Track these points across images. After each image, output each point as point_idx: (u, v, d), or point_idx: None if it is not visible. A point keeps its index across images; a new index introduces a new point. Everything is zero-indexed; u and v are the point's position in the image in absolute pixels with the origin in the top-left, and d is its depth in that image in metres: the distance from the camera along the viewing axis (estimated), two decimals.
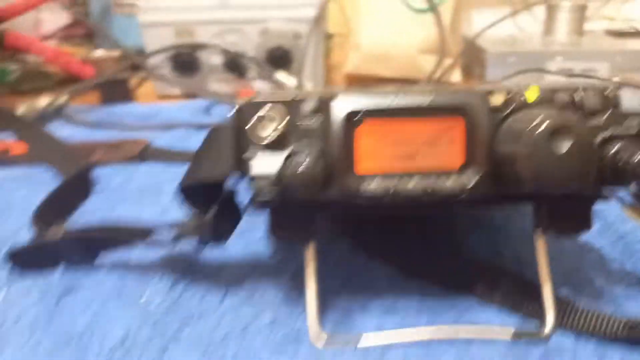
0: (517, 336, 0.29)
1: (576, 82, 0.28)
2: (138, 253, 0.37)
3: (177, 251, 0.36)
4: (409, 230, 0.37)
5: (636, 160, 0.25)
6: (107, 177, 0.52)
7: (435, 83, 0.76)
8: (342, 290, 0.34)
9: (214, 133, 0.28)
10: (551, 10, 0.83)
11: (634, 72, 0.72)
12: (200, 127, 0.66)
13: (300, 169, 0.25)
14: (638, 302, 0.32)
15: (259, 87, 0.79)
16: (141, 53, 0.80)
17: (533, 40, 0.83)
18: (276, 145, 0.27)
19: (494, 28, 0.83)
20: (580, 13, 0.81)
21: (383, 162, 0.27)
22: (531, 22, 0.96)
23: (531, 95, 0.27)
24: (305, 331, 0.30)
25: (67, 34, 1.02)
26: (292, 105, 0.27)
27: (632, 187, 0.31)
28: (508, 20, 0.92)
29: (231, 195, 0.32)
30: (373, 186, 0.26)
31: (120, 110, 0.73)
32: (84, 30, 1.03)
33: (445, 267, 0.35)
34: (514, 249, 0.38)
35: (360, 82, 0.82)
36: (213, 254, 0.37)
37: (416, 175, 0.27)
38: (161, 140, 0.62)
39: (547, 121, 0.24)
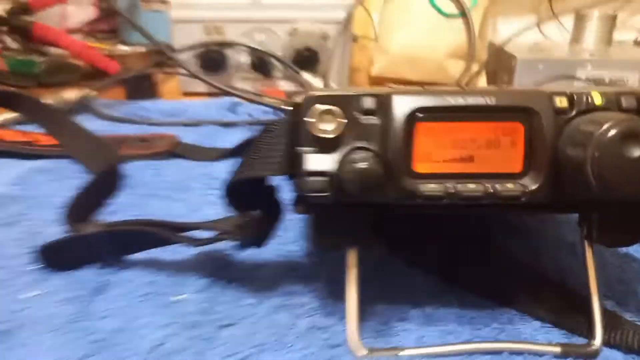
0: (566, 351, 0.28)
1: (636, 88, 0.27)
2: (171, 251, 0.36)
3: (212, 250, 0.35)
4: (446, 236, 0.36)
5: None
6: (137, 172, 0.52)
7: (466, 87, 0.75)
8: (380, 297, 0.33)
9: (269, 129, 0.28)
10: (580, 19, 0.82)
11: None
12: (227, 124, 0.65)
13: (361, 166, 0.24)
14: None
15: (284, 87, 0.79)
16: (170, 49, 0.80)
17: (561, 48, 0.82)
18: (336, 141, 0.26)
19: (520, 36, 0.83)
20: (610, 22, 0.80)
21: (443, 163, 0.26)
22: (557, 31, 0.95)
23: (597, 97, 0.26)
24: (344, 340, 0.29)
25: (92, 29, 1.02)
26: (353, 101, 0.26)
27: None
28: (534, 28, 0.91)
29: (275, 195, 0.31)
30: (432, 186, 0.26)
31: (147, 105, 0.72)
32: (109, 25, 1.04)
33: (486, 276, 0.34)
34: (553, 255, 0.37)
35: (384, 85, 0.81)
36: (247, 254, 0.36)
37: (476, 177, 0.26)
38: (188, 136, 0.61)
39: (620, 124, 0.23)
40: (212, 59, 0.74)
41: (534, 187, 0.26)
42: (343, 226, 0.29)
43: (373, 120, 0.26)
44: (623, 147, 0.23)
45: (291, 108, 0.28)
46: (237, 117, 0.69)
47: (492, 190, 0.26)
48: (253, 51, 0.75)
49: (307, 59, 0.75)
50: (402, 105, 0.26)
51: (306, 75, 0.76)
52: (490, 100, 0.26)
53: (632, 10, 0.93)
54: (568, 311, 0.31)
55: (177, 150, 0.56)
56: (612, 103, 0.26)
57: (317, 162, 0.26)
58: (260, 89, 0.78)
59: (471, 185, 0.26)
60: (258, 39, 0.76)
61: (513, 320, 0.31)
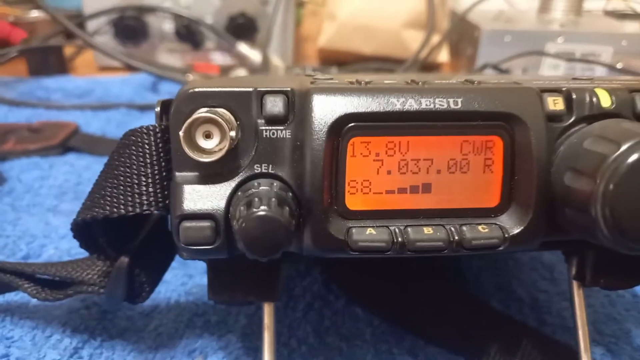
0: None
1: None
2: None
3: (85, 297, 0.26)
4: (400, 265, 0.28)
5: None
6: (17, 173, 0.41)
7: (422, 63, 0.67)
8: (313, 351, 0.25)
9: (127, 140, 0.19)
10: None
11: (638, 57, 0.65)
12: (144, 107, 0.55)
13: (260, 212, 0.15)
14: None
15: (217, 59, 0.68)
16: (79, 16, 0.68)
17: (529, 18, 0.74)
18: (224, 165, 0.17)
19: (484, 3, 0.74)
20: None
21: (386, 195, 0.18)
22: None
23: (605, 97, 0.18)
24: None
25: None
26: (252, 102, 0.17)
27: None
28: None
29: (157, 231, 0.22)
30: (370, 233, 0.17)
31: (50, 84, 0.61)
32: None
33: (447, 319, 0.26)
34: (529, 285, 0.31)
35: (335, 58, 0.72)
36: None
37: (435, 215, 0.18)
38: (94, 123, 0.51)
39: None
40: (130, 26, 0.63)
41: (516, 230, 0.18)
42: (246, 277, 0.20)
43: (282, 132, 0.17)
44: None
45: (158, 110, 0.18)
46: (157, 98, 0.58)
47: (456, 238, 0.17)
48: (178, 18, 0.63)
49: (243, 26, 0.64)
50: (326, 110, 0.17)
51: (242, 47, 0.65)
52: (455, 103, 0.17)
53: None
54: None
55: (72, 143, 0.45)
56: (625, 105, 0.18)
57: (197, 198, 0.17)
58: (189, 63, 0.68)
59: (427, 231, 0.17)
60: (184, 2, 0.64)
61: None
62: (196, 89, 0.17)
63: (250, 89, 0.17)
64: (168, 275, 0.29)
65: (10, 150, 0.44)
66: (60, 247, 0.33)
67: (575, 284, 0.23)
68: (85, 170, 0.42)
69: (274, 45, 0.68)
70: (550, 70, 0.65)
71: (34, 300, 0.28)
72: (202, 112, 0.17)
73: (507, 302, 0.29)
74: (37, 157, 0.43)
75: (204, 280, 0.30)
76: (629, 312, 0.29)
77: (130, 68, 0.64)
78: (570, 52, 0.65)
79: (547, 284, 0.31)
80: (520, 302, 0.29)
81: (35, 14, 0.83)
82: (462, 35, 0.72)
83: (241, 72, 0.67)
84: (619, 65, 0.65)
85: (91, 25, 0.66)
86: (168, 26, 0.65)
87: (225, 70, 0.67)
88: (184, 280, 0.30)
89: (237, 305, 0.26)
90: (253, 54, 0.65)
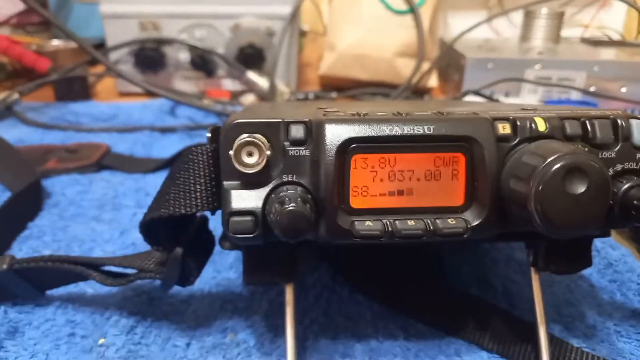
0: None
1: (580, 111, 0.26)
2: (93, 284, 0.33)
3: (138, 282, 0.32)
4: (393, 260, 0.34)
5: None
6: (61, 188, 0.47)
7: (413, 89, 0.73)
8: (323, 331, 0.31)
9: (185, 156, 0.25)
10: (528, 17, 0.82)
11: (610, 82, 0.72)
12: (165, 130, 0.61)
13: (288, 207, 0.22)
14: (631, 340, 0.31)
15: (228, 86, 0.75)
16: (101, 46, 0.75)
17: (510, 46, 0.82)
18: (261, 175, 0.23)
19: (471, 32, 0.82)
20: (558, 20, 0.81)
21: (380, 197, 0.24)
22: (507, 26, 0.95)
23: (541, 124, 0.24)
24: None
25: (21, 21, 0.94)
26: (281, 129, 0.23)
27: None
28: (484, 24, 0.91)
29: (201, 229, 0.28)
30: (369, 224, 0.23)
31: (77, 109, 0.67)
32: (40, 17, 0.96)
33: (432, 303, 0.32)
34: (503, 277, 0.36)
35: (334, 84, 0.78)
36: (177, 287, 0.33)
37: (415, 212, 0.24)
38: (121, 144, 0.57)
39: (564, 158, 0.21)
40: (149, 57, 0.69)
41: (476, 222, 0.24)
42: (273, 262, 0.26)
43: (302, 151, 0.24)
44: (567, 182, 0.21)
45: (209, 135, 0.25)
46: (176, 121, 0.65)
47: (432, 228, 0.24)
48: (193, 49, 0.70)
49: (251, 56, 0.71)
50: (334, 135, 0.23)
51: (251, 74, 0.72)
52: (428, 129, 0.23)
53: (578, 6, 0.94)
54: (515, 340, 0.30)
55: (106, 162, 0.51)
56: (557, 130, 0.25)
57: (241, 199, 0.23)
58: (203, 89, 0.74)
59: (410, 222, 0.24)
60: (198, 35, 0.71)
61: (460, 351, 0.30)
62: (240, 120, 0.23)
63: (280, 120, 0.24)
64: None
65: (52, 169, 0.50)
66: (105, 249, 0.39)
67: (532, 269, 0.29)
68: (119, 185, 0.48)
69: (279, 73, 0.74)
70: (530, 94, 0.72)
71: (91, 292, 0.34)
72: (246, 137, 0.23)
73: (484, 290, 0.35)
74: (76, 174, 0.50)
75: (230, 274, 0.36)
76: (585, 298, 0.35)
77: (149, 94, 0.70)
78: (547, 77, 0.72)
79: (519, 276, 0.37)
80: (494, 290, 0.35)
81: (55, 42, 0.90)
82: (450, 62, 0.79)
83: (250, 98, 0.73)
84: (592, 89, 0.72)
85: (113, 55, 0.72)
86: (183, 56, 0.72)
87: (235, 95, 0.74)
88: (214, 275, 0.36)
89: (264, 286, 0.31)
90: (261, 81, 0.72)
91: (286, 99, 0.72)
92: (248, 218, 0.23)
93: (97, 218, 0.43)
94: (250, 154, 0.23)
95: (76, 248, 0.39)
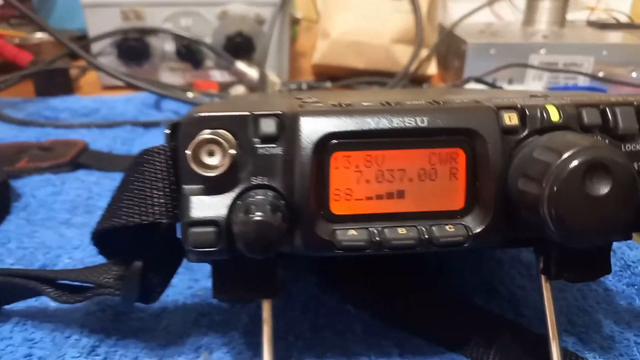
0: None
1: (598, 97, 0.22)
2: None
3: (102, 298, 0.29)
4: (387, 265, 0.31)
5: None
6: (31, 189, 0.44)
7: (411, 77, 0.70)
8: (309, 345, 0.28)
9: (141, 158, 0.21)
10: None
11: (618, 67, 0.68)
12: (148, 124, 0.58)
13: (256, 217, 0.18)
14: None
15: (217, 77, 0.71)
16: (83, 38, 0.71)
17: (513, 30, 0.78)
18: (226, 178, 0.20)
19: (472, 16, 0.78)
20: (563, 2, 0.77)
21: (366, 201, 0.20)
22: (509, 10, 0.91)
23: (554, 112, 0.21)
24: None
25: (4, 14, 0.90)
26: (248, 124, 0.20)
27: None
28: (485, 8, 0.87)
29: (167, 238, 0.25)
30: (352, 234, 0.20)
31: (57, 103, 0.64)
32: (25, 8, 0.92)
33: (431, 314, 0.29)
34: (508, 282, 0.33)
35: (329, 73, 0.75)
36: None
37: (408, 217, 0.21)
38: (101, 141, 0.54)
39: (583, 153, 0.18)
40: (132, 48, 0.66)
41: (479, 229, 0.20)
42: (247, 275, 0.23)
43: (274, 149, 0.20)
44: (587, 182, 0.18)
45: (168, 132, 0.21)
46: (161, 115, 0.62)
47: (427, 236, 0.20)
48: (178, 38, 0.66)
49: (240, 45, 0.67)
50: (311, 130, 0.20)
51: (241, 65, 0.68)
52: (421, 121, 0.20)
53: None
54: (524, 356, 0.26)
55: (82, 160, 0.48)
56: (572, 119, 0.21)
57: (202, 207, 0.20)
58: (190, 81, 0.71)
59: (401, 231, 0.20)
60: (184, 24, 0.67)
61: None
62: (201, 114, 0.20)
63: (247, 113, 0.20)
64: (175, 280, 0.31)
65: (23, 168, 0.47)
66: (74, 256, 0.36)
67: (543, 277, 0.26)
68: (94, 185, 0.45)
69: (270, 63, 0.71)
70: (534, 80, 0.68)
71: (53, 306, 0.31)
72: (205, 134, 0.19)
73: (488, 297, 0.32)
74: (49, 174, 0.46)
75: (208, 283, 0.32)
76: (600, 305, 0.32)
77: (133, 87, 0.67)
78: (553, 62, 0.68)
79: (525, 280, 0.34)
80: (499, 297, 0.32)
81: (39, 35, 0.86)
82: (450, 48, 0.75)
83: (240, 89, 0.70)
84: (600, 74, 0.68)
85: (95, 47, 0.69)
86: (169, 46, 0.68)
87: (224, 87, 0.70)
88: (190, 284, 0.33)
89: (239, 303, 0.28)
90: (251, 72, 0.68)
91: (277, 89, 0.68)
92: (210, 229, 0.20)
93: (68, 222, 0.40)
94: (211, 154, 0.19)
95: (41, 256, 0.35)
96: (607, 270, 0.25)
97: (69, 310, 0.30)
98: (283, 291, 0.24)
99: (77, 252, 0.36)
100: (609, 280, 0.34)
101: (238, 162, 0.20)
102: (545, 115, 0.21)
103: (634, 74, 0.68)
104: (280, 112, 0.20)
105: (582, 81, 0.68)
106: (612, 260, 0.35)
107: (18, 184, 0.45)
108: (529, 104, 0.21)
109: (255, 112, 0.20)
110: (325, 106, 0.20)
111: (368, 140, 0.20)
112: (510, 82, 0.68)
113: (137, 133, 0.56)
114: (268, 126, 0.20)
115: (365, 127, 0.20)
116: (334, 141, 0.20)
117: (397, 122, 0.20)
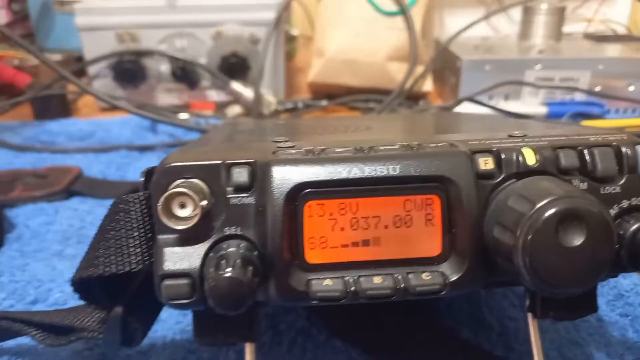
0: None
1: (577, 136, 0.22)
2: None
3: (86, 342, 0.29)
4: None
5: None
6: (25, 219, 0.44)
7: (405, 95, 0.69)
8: None
9: (116, 207, 0.21)
10: (528, 13, 0.78)
11: (616, 80, 0.68)
12: (143, 148, 0.58)
13: (226, 272, 0.18)
14: None
15: (213, 97, 0.71)
16: (80, 58, 0.72)
17: (509, 45, 0.77)
18: (199, 228, 0.20)
19: (468, 30, 0.78)
20: (559, 16, 0.76)
21: (341, 249, 0.20)
22: (506, 23, 0.91)
23: (531, 156, 0.21)
24: None
25: (3, 34, 0.91)
26: (220, 172, 0.20)
27: None
28: (482, 21, 0.86)
29: (149, 282, 0.25)
30: (328, 284, 0.20)
31: (54, 127, 0.64)
32: (24, 30, 0.93)
33: (419, 349, 0.28)
34: (498, 314, 0.33)
35: (324, 91, 0.75)
36: None
37: (383, 265, 0.20)
38: (96, 166, 0.54)
39: (557, 203, 0.18)
40: (128, 70, 0.66)
41: (455, 276, 0.20)
42: (224, 321, 0.23)
43: (247, 198, 0.20)
44: (561, 232, 0.18)
45: (142, 179, 0.21)
46: (156, 138, 0.62)
47: (403, 285, 0.20)
48: (173, 60, 0.67)
49: (235, 65, 0.67)
50: (283, 179, 0.20)
51: (236, 85, 0.69)
52: (394, 170, 0.20)
53: (580, 0, 0.90)
54: None
55: (76, 187, 0.48)
56: (550, 162, 0.21)
57: (175, 258, 0.20)
58: (186, 101, 0.71)
59: (377, 280, 0.20)
60: (179, 45, 0.68)
61: None
62: (172, 164, 0.20)
63: (219, 162, 0.20)
64: (164, 315, 0.31)
65: (17, 197, 0.47)
66: (65, 290, 0.36)
67: (530, 315, 0.26)
68: (87, 214, 0.45)
69: (266, 82, 0.71)
70: (531, 96, 0.68)
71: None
72: (176, 186, 0.19)
73: (477, 329, 0.31)
74: (43, 203, 0.46)
75: (188, 321, 0.32)
76: (592, 337, 0.31)
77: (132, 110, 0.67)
78: (549, 77, 0.67)
79: (517, 311, 0.33)
80: (489, 329, 0.32)
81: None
82: (446, 64, 0.75)
83: (236, 109, 0.70)
84: (597, 89, 0.68)
85: (92, 69, 0.69)
86: (164, 68, 0.68)
87: (220, 106, 0.71)
88: (178, 319, 0.32)
89: (220, 346, 0.28)
90: (246, 91, 0.68)
91: (273, 109, 0.68)
92: (183, 281, 0.19)
93: (60, 254, 0.40)
94: (182, 206, 0.19)
95: (32, 290, 0.35)
96: (593, 309, 0.25)
97: (57, 349, 0.30)
98: (270, 329, 0.24)
99: (68, 286, 0.36)
100: (602, 309, 0.33)
101: (211, 212, 0.20)
102: (521, 159, 0.21)
103: (631, 88, 0.68)
104: (253, 161, 0.20)
105: (579, 96, 0.68)
106: (605, 288, 0.35)
107: (12, 214, 0.45)
108: (505, 146, 0.21)
109: (227, 161, 0.20)
110: (297, 154, 0.20)
111: (341, 188, 0.20)
112: (506, 98, 0.68)
113: (132, 157, 0.56)
114: (241, 176, 0.20)
115: (337, 176, 0.20)
116: (307, 190, 0.20)
117: (369, 170, 0.20)
